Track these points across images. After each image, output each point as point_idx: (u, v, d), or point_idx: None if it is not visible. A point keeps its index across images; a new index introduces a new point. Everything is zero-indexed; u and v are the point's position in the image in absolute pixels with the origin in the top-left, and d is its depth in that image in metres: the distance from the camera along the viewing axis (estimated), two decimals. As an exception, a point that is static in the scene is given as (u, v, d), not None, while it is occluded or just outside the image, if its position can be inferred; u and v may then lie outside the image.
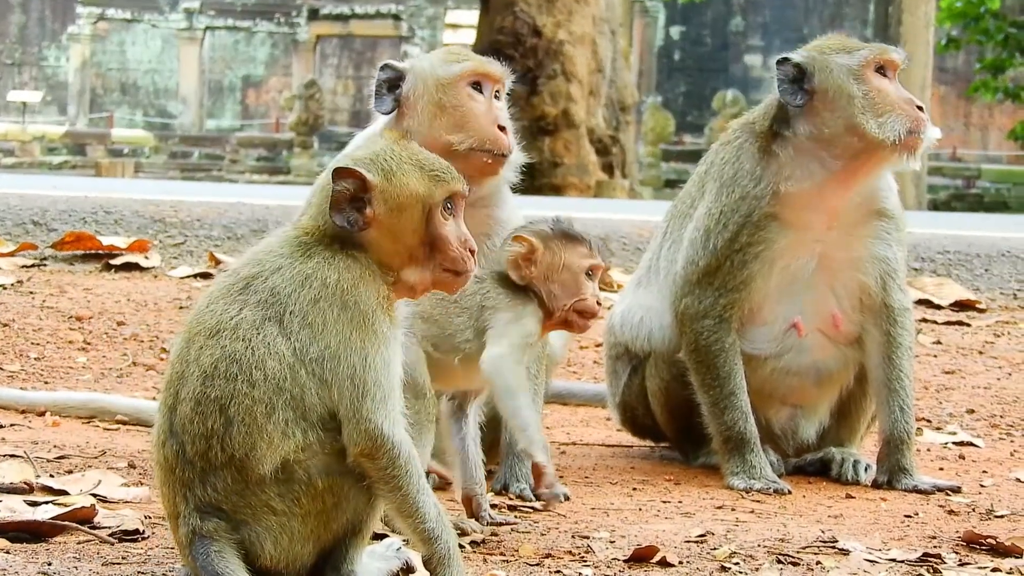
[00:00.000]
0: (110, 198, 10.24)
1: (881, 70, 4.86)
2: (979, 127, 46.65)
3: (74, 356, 6.49)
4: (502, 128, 4.54)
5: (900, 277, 5.01)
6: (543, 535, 4.03)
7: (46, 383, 6.09)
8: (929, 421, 6.12)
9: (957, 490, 4.88)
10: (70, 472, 4.51)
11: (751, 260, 4.91)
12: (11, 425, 5.28)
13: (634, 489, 4.78)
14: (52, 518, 3.78)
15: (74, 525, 3.76)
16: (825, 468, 5.16)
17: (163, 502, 3.24)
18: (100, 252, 8.66)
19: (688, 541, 3.99)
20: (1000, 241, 10.13)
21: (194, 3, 49.06)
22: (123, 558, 3.56)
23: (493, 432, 4.64)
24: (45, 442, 4.97)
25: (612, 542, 3.95)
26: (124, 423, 5.47)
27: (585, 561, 3.75)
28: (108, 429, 5.40)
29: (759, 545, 3.95)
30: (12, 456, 4.59)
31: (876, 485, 4.99)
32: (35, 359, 6.41)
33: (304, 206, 3.64)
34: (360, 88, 48.25)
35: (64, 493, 4.16)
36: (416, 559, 3.36)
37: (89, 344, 6.67)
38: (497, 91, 4.61)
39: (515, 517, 4.22)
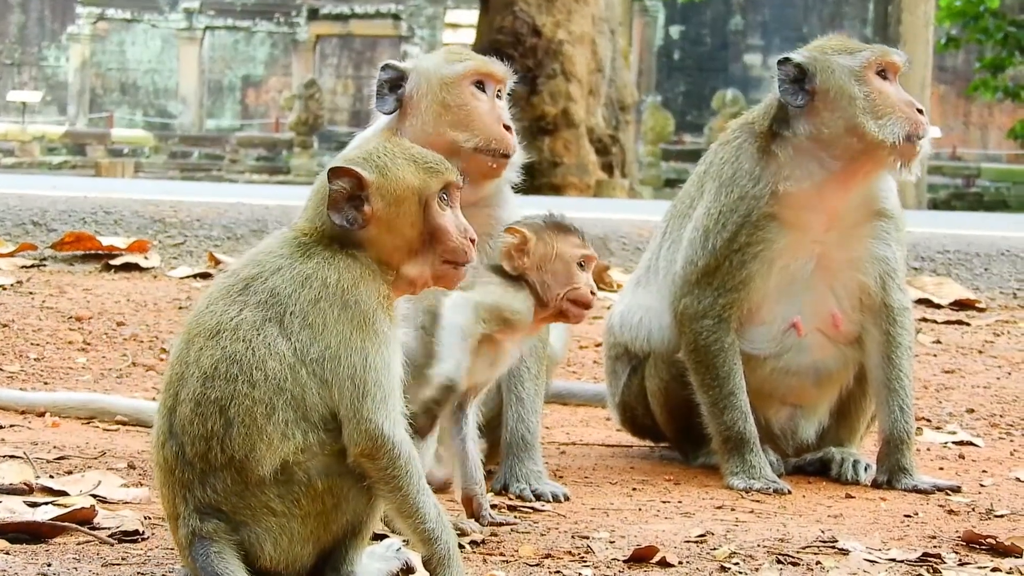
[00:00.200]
0: (110, 198, 10.24)
1: (882, 72, 4.86)
2: (979, 126, 46.65)
3: (74, 357, 6.49)
4: (507, 128, 4.55)
5: (900, 277, 5.02)
6: (543, 535, 4.03)
7: (46, 384, 6.09)
8: (929, 421, 6.12)
9: (957, 490, 4.88)
10: (70, 473, 4.50)
11: (750, 260, 4.91)
12: (11, 426, 5.28)
13: (634, 489, 4.78)
14: (52, 519, 3.78)
15: (74, 526, 3.76)
16: (825, 468, 5.16)
17: (163, 503, 3.24)
18: (100, 252, 8.67)
19: (688, 541, 3.99)
20: (1000, 240, 10.14)
21: (194, 3, 49.06)
22: (123, 559, 3.56)
23: (493, 432, 4.64)
24: (45, 443, 4.97)
25: (612, 542, 3.95)
26: (124, 424, 5.47)
27: (585, 561, 3.75)
28: (108, 430, 5.40)
29: (759, 545, 3.95)
30: (12, 457, 4.59)
31: (876, 485, 4.99)
32: (35, 360, 6.41)
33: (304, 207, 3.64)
34: (360, 88, 48.25)
35: (64, 494, 4.16)
36: (416, 560, 3.36)
37: (89, 344, 6.67)
38: (499, 91, 4.61)
39: (515, 517, 4.22)
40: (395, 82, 4.61)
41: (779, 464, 5.08)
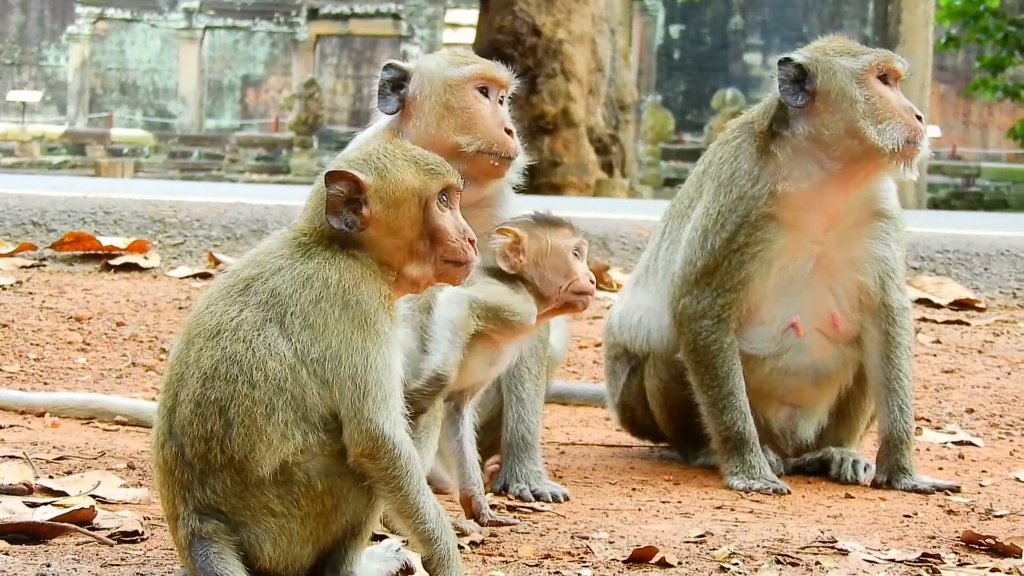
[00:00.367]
0: (109, 198, 10.25)
1: (884, 77, 4.86)
2: (978, 125, 46.65)
3: (73, 357, 6.49)
4: (509, 131, 4.56)
5: (899, 277, 5.02)
6: (542, 536, 4.03)
7: (45, 384, 6.09)
8: (928, 420, 6.12)
9: (956, 490, 4.88)
10: (69, 473, 4.50)
11: (749, 260, 4.91)
12: (10, 426, 5.27)
13: (633, 489, 4.78)
14: (51, 519, 3.77)
15: (73, 526, 3.76)
16: (824, 468, 5.16)
17: (162, 504, 3.24)
18: (99, 252, 8.67)
19: (687, 541, 3.99)
20: (999, 240, 10.14)
21: (193, 3, 49.06)
22: (122, 559, 3.56)
23: (492, 433, 4.64)
24: (44, 443, 4.97)
25: (611, 542, 3.95)
26: (123, 424, 5.47)
27: (584, 562, 3.75)
28: (107, 430, 5.40)
29: (758, 545, 3.95)
30: (11, 457, 4.59)
31: (875, 485, 4.99)
32: (34, 360, 6.41)
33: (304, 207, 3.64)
34: (360, 87, 48.25)
35: (63, 494, 4.16)
36: (415, 560, 3.36)
37: (88, 345, 6.67)
38: (502, 96, 4.62)
39: (514, 518, 4.22)
40: (397, 82, 4.61)
41: (778, 464, 5.08)
